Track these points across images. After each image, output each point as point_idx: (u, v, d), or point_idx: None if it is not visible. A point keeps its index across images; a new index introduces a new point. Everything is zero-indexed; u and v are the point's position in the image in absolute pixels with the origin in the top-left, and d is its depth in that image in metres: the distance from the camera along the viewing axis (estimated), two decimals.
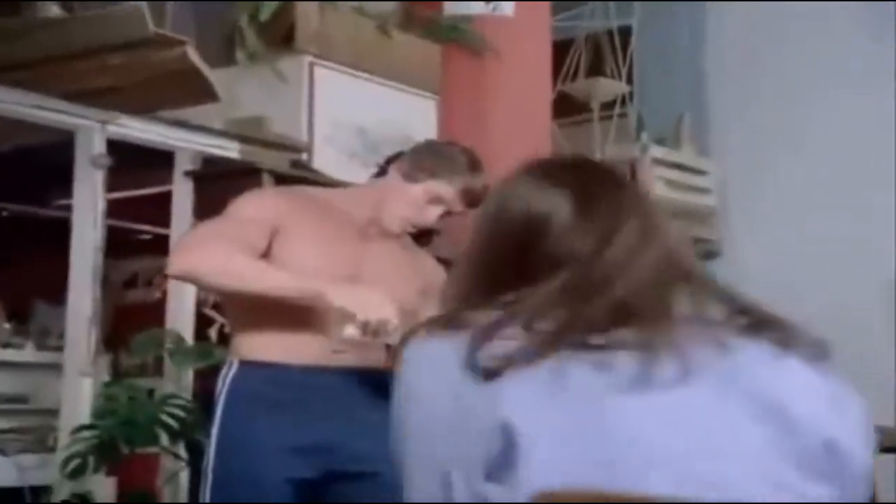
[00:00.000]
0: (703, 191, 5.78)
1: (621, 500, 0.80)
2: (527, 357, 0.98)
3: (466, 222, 4.38)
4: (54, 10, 3.24)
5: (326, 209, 2.42)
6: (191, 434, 3.36)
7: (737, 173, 5.77)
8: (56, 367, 3.77)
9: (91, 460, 3.30)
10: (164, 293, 4.04)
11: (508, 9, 4.50)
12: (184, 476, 3.59)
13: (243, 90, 4.01)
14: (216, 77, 3.41)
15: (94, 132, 3.62)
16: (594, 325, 1.02)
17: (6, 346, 4.39)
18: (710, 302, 1.06)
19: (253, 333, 2.33)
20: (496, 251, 1.14)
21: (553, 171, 1.17)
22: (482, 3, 4.48)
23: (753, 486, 0.84)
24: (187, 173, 3.88)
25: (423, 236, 4.39)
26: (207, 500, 2.27)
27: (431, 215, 2.38)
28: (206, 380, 3.41)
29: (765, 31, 5.60)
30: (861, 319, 4.83)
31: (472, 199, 2.39)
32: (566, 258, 1.08)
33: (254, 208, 2.35)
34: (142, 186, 4.46)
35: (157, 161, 3.91)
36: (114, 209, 3.80)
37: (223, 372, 2.36)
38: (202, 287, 2.56)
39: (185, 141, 3.85)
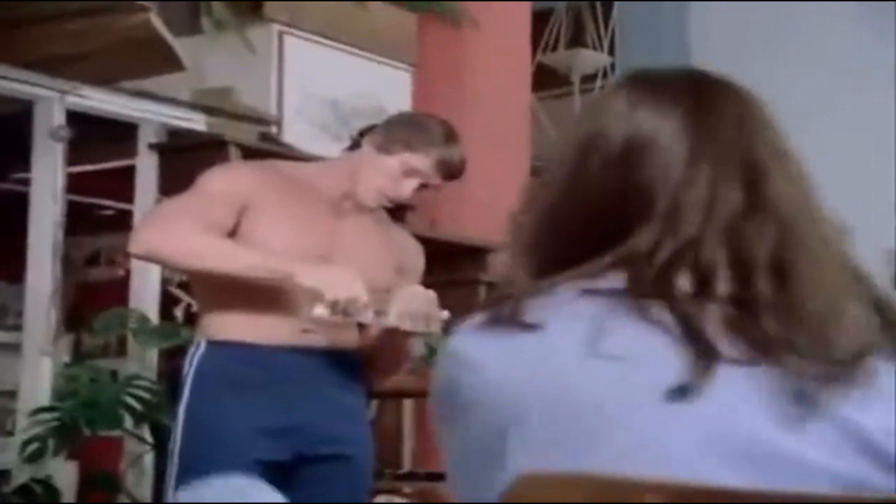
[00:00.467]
0: None
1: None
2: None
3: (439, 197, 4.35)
4: None
5: (297, 184, 2.42)
6: (156, 416, 3.34)
7: None
8: (14, 348, 3.74)
9: (51, 444, 3.28)
10: (128, 271, 4.01)
11: None
12: (148, 460, 3.57)
13: (210, 60, 3.97)
14: (181, 45, 3.38)
15: (53, 103, 3.57)
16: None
17: None
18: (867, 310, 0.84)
19: (222, 312, 2.33)
20: (580, 197, 0.89)
21: (658, 84, 0.92)
22: None
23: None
24: (151, 146, 3.84)
25: (397, 211, 4.37)
26: (175, 482, 2.27)
27: (407, 188, 2.38)
28: (172, 360, 3.40)
29: (756, 23, 5.61)
30: None
31: (448, 171, 2.41)
32: (675, 209, 0.85)
33: (221, 183, 2.33)
34: (104, 160, 4.42)
35: (120, 133, 3.88)
36: (74, 184, 3.76)
37: (190, 352, 2.36)
38: (166, 267, 2.56)
39: (149, 112, 3.81)
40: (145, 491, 3.60)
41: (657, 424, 0.77)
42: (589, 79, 5.92)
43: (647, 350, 0.80)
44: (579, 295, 0.84)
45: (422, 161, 2.37)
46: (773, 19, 5.51)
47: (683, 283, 0.83)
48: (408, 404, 4.01)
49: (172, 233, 2.22)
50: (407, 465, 3.94)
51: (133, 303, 3.73)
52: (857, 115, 5.34)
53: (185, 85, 3.82)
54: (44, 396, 3.46)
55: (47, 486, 3.40)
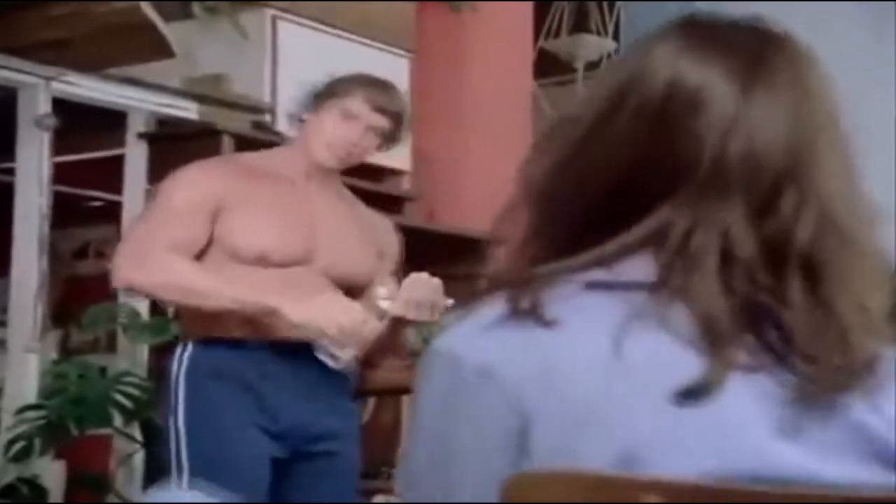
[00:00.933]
0: None
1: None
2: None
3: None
4: None
5: (264, 175, 2.43)
6: (146, 414, 3.33)
7: None
8: None
9: (37, 442, 3.27)
10: None
11: None
12: (138, 459, 3.56)
13: (201, 46, 3.95)
14: (172, 31, 3.35)
15: (39, 90, 3.55)
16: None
17: None
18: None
19: (208, 310, 2.32)
20: (603, 152, 0.79)
21: (712, 30, 0.83)
22: None
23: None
24: (141, 135, 3.82)
25: (392, 201, 4.35)
26: (187, 483, 2.28)
27: (353, 134, 2.41)
28: (163, 357, 3.38)
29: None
30: None
31: (383, 107, 2.44)
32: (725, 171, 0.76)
33: (189, 192, 2.33)
34: (92, 149, 4.40)
35: (108, 122, 3.85)
36: (61, 174, 3.74)
37: (177, 353, 2.36)
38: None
39: (139, 100, 3.79)
40: (135, 491, 3.58)
41: (667, 431, 0.73)
42: (593, 65, 5.89)
43: (664, 354, 0.75)
44: (597, 288, 0.77)
45: (353, 103, 2.40)
46: (775, 17, 5.51)
47: (711, 274, 0.76)
48: (406, 401, 4.00)
49: (153, 268, 2.25)
50: None
51: (123, 297, 3.71)
52: (856, 115, 5.37)
53: (176, 72, 3.80)
54: (30, 394, 3.44)
55: (34, 486, 3.39)
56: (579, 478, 0.70)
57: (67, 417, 3.26)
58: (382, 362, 2.68)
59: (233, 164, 2.47)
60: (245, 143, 3.74)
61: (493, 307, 0.78)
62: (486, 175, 4.46)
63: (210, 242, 2.32)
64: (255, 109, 3.98)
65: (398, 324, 2.39)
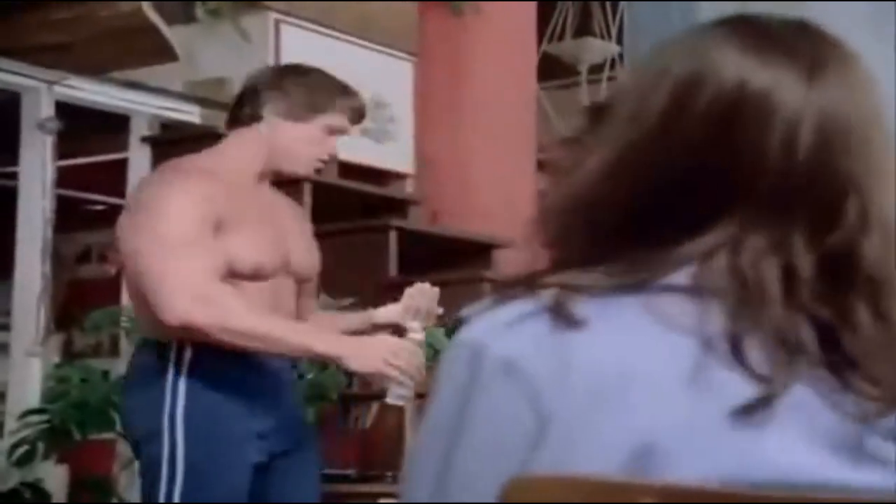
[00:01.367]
0: None
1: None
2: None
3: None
4: None
5: (233, 185, 2.33)
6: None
7: None
8: (2, 347, 3.72)
9: (40, 447, 3.27)
10: (120, 268, 4.00)
11: None
12: None
13: (204, 49, 3.96)
14: (174, 35, 3.36)
15: (42, 94, 3.56)
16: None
17: None
18: None
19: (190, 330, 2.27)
20: (662, 154, 0.75)
21: (769, 30, 0.79)
22: None
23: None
24: (144, 139, 3.83)
25: (396, 205, 4.35)
26: (180, 487, 2.27)
27: (332, 146, 2.41)
28: None
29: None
30: None
31: (360, 118, 2.47)
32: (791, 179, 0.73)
33: (196, 214, 2.23)
34: (94, 153, 4.41)
35: (111, 126, 3.86)
36: (64, 177, 3.75)
37: (173, 356, 2.30)
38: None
39: (141, 104, 3.79)
40: (138, 495, 3.58)
41: (716, 460, 0.71)
42: (596, 69, 5.89)
43: (694, 362, 0.72)
44: (632, 291, 0.74)
45: (338, 118, 2.39)
46: (778, 14, 5.50)
47: (771, 285, 0.73)
48: (409, 406, 4.00)
49: (214, 309, 2.18)
50: None
51: (126, 301, 3.71)
52: None
53: (179, 75, 3.81)
54: (33, 398, 3.45)
55: (37, 490, 3.39)
56: (577, 481, 0.70)
57: (70, 421, 3.26)
58: None
59: (208, 173, 2.34)
60: None
61: (521, 303, 0.75)
62: (490, 178, 4.46)
63: None
64: None
65: (399, 330, 2.46)
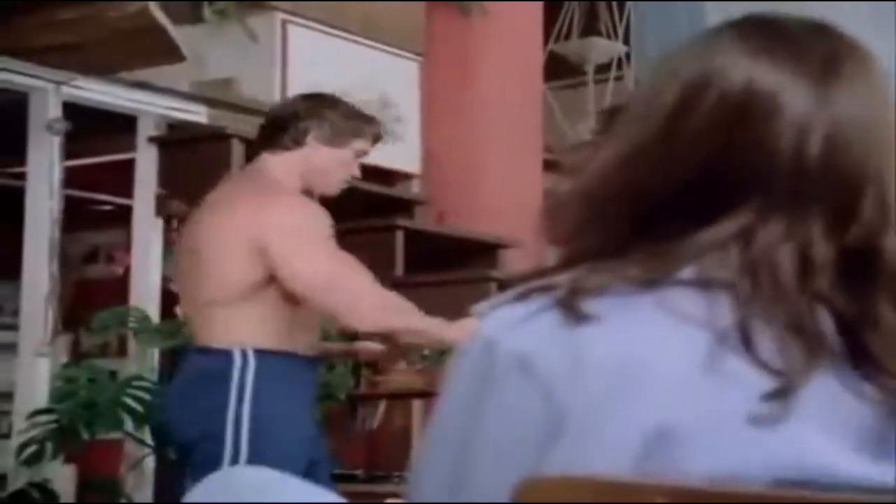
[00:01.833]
0: None
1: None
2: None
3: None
4: None
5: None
6: (156, 418, 3.33)
7: None
8: (10, 348, 3.73)
9: (49, 447, 3.27)
10: (127, 268, 4.01)
11: None
12: (149, 463, 3.56)
13: (211, 50, 3.96)
14: (182, 35, 3.36)
15: (49, 94, 3.56)
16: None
17: None
18: None
19: (267, 322, 2.44)
20: (670, 151, 0.76)
21: (781, 31, 0.79)
22: None
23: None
24: (151, 139, 3.83)
25: (403, 205, 4.34)
26: None
27: (357, 167, 2.64)
28: (173, 361, 3.39)
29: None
30: None
31: (378, 140, 2.71)
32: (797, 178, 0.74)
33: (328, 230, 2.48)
34: (102, 153, 4.41)
35: (119, 126, 3.86)
36: (72, 178, 3.75)
37: (238, 357, 2.41)
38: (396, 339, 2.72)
39: (149, 104, 3.80)
40: (146, 495, 3.59)
41: (733, 450, 0.70)
42: (603, 68, 5.89)
43: (726, 365, 0.72)
44: (648, 286, 0.73)
45: (365, 143, 2.63)
46: (784, 13, 5.50)
47: (789, 279, 0.73)
48: (416, 406, 4.00)
49: (395, 313, 2.46)
50: None
51: (133, 301, 3.72)
52: None
53: (186, 76, 3.81)
54: (41, 398, 3.45)
55: (45, 490, 3.39)
56: (588, 481, 0.70)
57: (78, 421, 3.26)
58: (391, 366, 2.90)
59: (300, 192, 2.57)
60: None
61: (534, 299, 0.75)
62: (497, 178, 4.45)
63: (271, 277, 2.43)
64: (265, 113, 3.98)
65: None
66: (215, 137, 3.77)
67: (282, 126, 2.56)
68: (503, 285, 0.78)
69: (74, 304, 4.39)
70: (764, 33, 0.79)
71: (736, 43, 0.78)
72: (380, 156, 4.38)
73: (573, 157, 0.79)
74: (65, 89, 3.57)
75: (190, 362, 2.54)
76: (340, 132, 2.57)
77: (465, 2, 4.43)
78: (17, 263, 3.61)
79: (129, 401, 3.32)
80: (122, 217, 3.99)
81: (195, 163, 3.73)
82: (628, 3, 5.94)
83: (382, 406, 3.86)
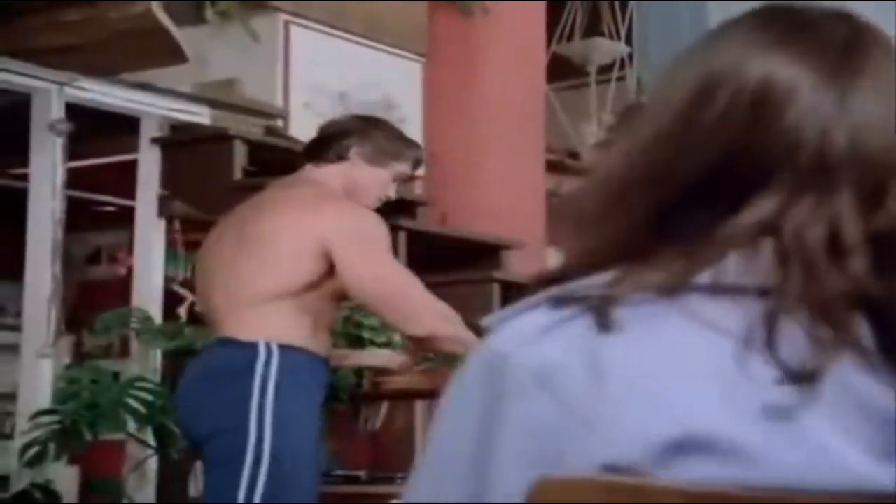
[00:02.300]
0: None
1: None
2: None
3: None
4: None
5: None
6: (159, 419, 3.33)
7: None
8: (13, 349, 3.73)
9: (52, 448, 3.27)
10: (130, 269, 4.01)
11: None
12: (151, 464, 3.56)
13: (214, 51, 3.96)
14: (184, 36, 3.36)
15: (52, 95, 3.56)
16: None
17: None
18: None
19: (295, 319, 2.50)
20: (684, 147, 0.74)
21: (801, 20, 0.78)
22: None
23: None
24: (154, 140, 3.83)
25: (407, 205, 4.35)
26: (265, 475, 2.42)
27: (393, 189, 2.76)
28: (175, 362, 3.39)
29: None
30: None
31: (418, 164, 2.85)
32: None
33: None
34: (105, 154, 4.42)
35: (121, 127, 3.86)
36: (74, 179, 3.75)
37: (262, 352, 2.45)
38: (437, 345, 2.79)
39: (151, 105, 3.80)
40: (148, 496, 3.59)
41: (754, 452, 0.68)
42: (605, 69, 5.89)
43: (751, 368, 0.70)
44: (680, 290, 0.71)
45: (405, 166, 2.75)
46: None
47: (822, 267, 0.71)
48: (419, 406, 3.99)
49: (446, 322, 2.56)
50: None
51: (135, 302, 3.72)
52: None
53: (188, 76, 3.81)
54: (44, 399, 3.45)
55: (47, 491, 3.39)
56: (604, 482, 0.69)
57: (81, 422, 3.26)
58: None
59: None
60: (257, 148, 3.74)
61: (548, 309, 0.72)
62: (499, 179, 4.45)
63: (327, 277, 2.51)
64: (268, 114, 3.99)
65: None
66: (218, 138, 3.77)
67: (328, 140, 2.70)
68: (518, 289, 0.74)
69: (77, 305, 4.39)
70: (783, 22, 0.77)
71: (754, 34, 0.77)
72: None
73: (591, 155, 0.74)
74: (67, 90, 3.58)
75: (211, 355, 2.57)
76: (382, 152, 2.69)
77: (467, 1, 4.43)
78: (20, 264, 3.61)
79: (132, 402, 3.32)
80: (125, 218, 3.99)
81: (198, 164, 3.73)
82: (631, 3, 5.94)
83: (385, 407, 3.86)
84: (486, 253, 4.25)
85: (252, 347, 2.46)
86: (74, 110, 3.61)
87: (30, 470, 3.34)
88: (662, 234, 0.74)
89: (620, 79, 5.90)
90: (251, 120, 3.94)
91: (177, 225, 3.72)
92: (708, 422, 0.69)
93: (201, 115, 3.91)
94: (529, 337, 0.72)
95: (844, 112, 0.74)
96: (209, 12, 3.95)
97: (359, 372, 3.57)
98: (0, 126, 3.87)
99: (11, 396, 3.67)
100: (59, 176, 3.58)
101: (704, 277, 0.72)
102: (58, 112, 3.57)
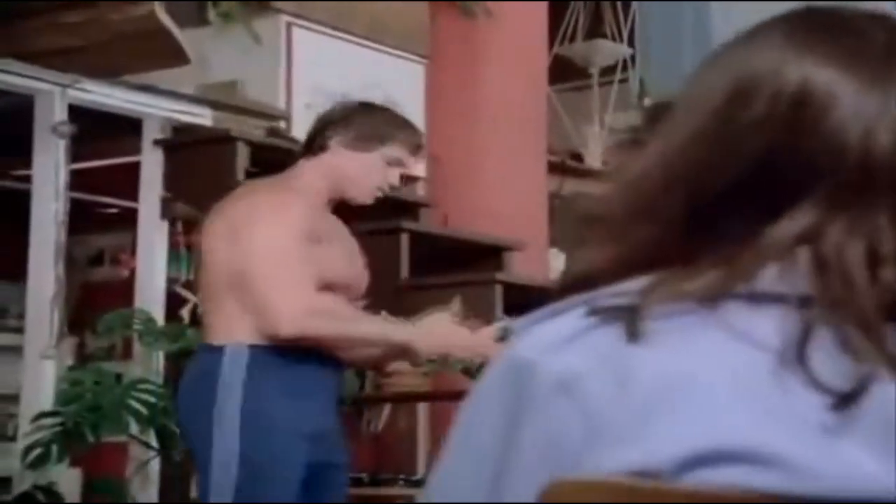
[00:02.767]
0: None
1: None
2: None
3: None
4: None
5: (311, 202, 2.51)
6: (162, 421, 3.33)
7: None
8: (16, 350, 3.73)
9: (54, 449, 3.27)
10: (132, 271, 4.00)
11: None
12: (154, 466, 3.56)
13: (216, 52, 3.96)
14: (187, 38, 3.36)
15: (55, 97, 3.56)
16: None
17: None
18: None
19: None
20: (718, 153, 0.72)
21: (838, 23, 0.76)
22: None
23: None
24: (156, 142, 3.83)
25: (409, 207, 4.34)
26: (233, 482, 2.36)
27: (394, 177, 2.59)
28: (177, 363, 3.38)
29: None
30: None
31: (419, 152, 2.68)
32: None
33: (297, 232, 2.41)
34: (107, 156, 4.42)
35: (124, 129, 3.86)
36: (77, 181, 3.75)
37: (228, 355, 2.39)
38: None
39: (154, 107, 3.80)
40: (151, 497, 3.59)
41: (781, 469, 0.66)
42: (608, 71, 5.89)
43: (784, 382, 0.68)
44: (714, 301, 0.69)
45: (400, 150, 2.56)
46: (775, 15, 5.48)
47: (862, 280, 0.69)
48: (422, 409, 3.99)
49: (323, 319, 2.40)
50: (421, 472, 3.92)
51: (138, 303, 3.72)
52: None
53: (191, 78, 3.81)
54: (46, 400, 3.45)
55: (50, 493, 3.39)
56: (617, 484, 0.68)
57: (83, 424, 3.26)
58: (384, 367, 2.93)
59: (294, 192, 2.52)
60: (260, 150, 3.74)
61: (577, 315, 0.71)
62: (501, 180, 4.45)
63: None
64: (270, 115, 3.99)
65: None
66: (220, 140, 3.77)
67: (313, 133, 2.59)
68: (521, 290, 0.72)
69: (80, 307, 4.39)
70: (820, 25, 0.76)
71: (791, 36, 0.75)
72: None
73: (618, 156, 0.73)
74: (70, 92, 3.58)
75: (191, 361, 2.56)
76: (366, 137, 2.53)
77: (469, 5, 4.42)
78: (23, 266, 3.61)
79: (134, 403, 3.32)
80: (128, 220, 3.99)
81: (200, 165, 3.73)
82: (633, 5, 5.94)
83: (387, 409, 3.85)
84: (487, 254, 4.25)
85: (220, 351, 2.40)
86: (77, 112, 3.61)
87: (32, 472, 3.34)
88: (697, 241, 0.72)
89: (623, 80, 5.89)
90: (253, 121, 3.94)
91: (179, 227, 3.72)
92: (736, 433, 0.67)
93: (203, 117, 3.91)
94: (555, 344, 0.70)
95: (888, 114, 0.72)
96: (211, 14, 3.95)
97: (361, 374, 3.57)
98: (3, 127, 3.88)
99: (14, 398, 3.67)
100: (62, 178, 3.58)
101: (740, 287, 0.70)
102: (60, 114, 3.57)
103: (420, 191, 4.50)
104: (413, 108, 4.45)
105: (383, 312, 2.76)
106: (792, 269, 0.70)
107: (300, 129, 4.00)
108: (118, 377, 3.49)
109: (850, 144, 0.71)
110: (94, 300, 4.48)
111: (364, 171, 2.53)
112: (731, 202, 0.72)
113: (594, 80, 5.85)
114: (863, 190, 0.71)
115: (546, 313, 0.72)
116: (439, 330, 2.49)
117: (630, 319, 0.69)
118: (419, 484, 3.74)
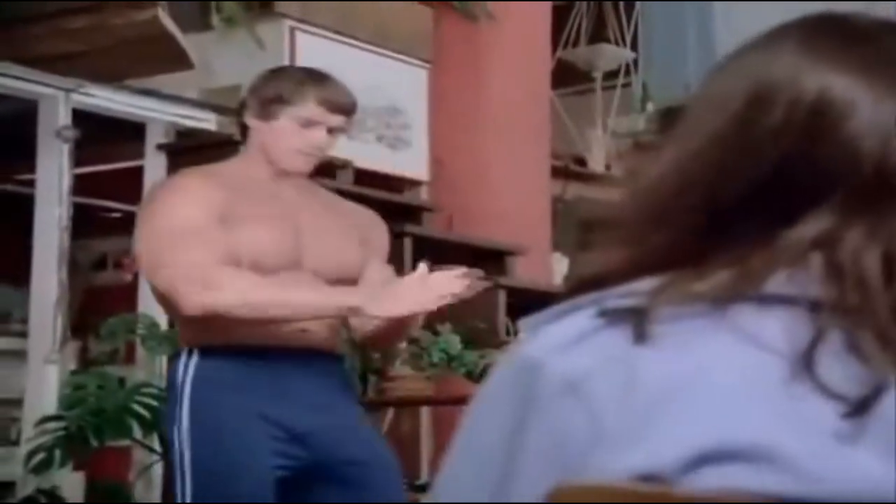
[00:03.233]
0: None
1: None
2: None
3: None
4: None
5: (239, 185, 2.39)
6: (165, 425, 3.34)
7: None
8: (19, 355, 3.74)
9: (57, 454, 3.27)
10: (136, 275, 4.01)
11: None
12: (157, 470, 3.56)
13: (220, 57, 3.97)
14: (190, 42, 3.37)
15: (59, 102, 3.57)
16: None
17: None
18: None
19: (212, 317, 2.25)
20: (735, 160, 0.72)
21: (855, 31, 0.76)
22: None
23: None
24: (160, 146, 3.84)
25: (411, 210, 4.34)
26: (189, 495, 2.28)
27: (315, 137, 2.39)
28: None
29: (778, 20, 5.59)
30: None
31: (336, 107, 2.42)
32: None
33: (199, 206, 2.29)
34: (111, 161, 4.43)
35: (128, 133, 3.87)
36: (81, 185, 3.76)
37: (181, 361, 2.32)
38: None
39: (157, 111, 3.80)
40: (154, 502, 3.59)
41: (787, 473, 0.66)
42: (611, 75, 5.89)
43: (793, 386, 0.68)
44: (726, 304, 0.69)
45: (309, 109, 2.37)
46: (793, 16, 5.49)
47: (878, 285, 0.69)
48: (425, 412, 3.99)
49: (226, 289, 2.21)
50: (425, 475, 3.92)
51: (141, 308, 3.72)
52: None
53: (195, 83, 3.82)
54: (50, 405, 3.45)
55: (53, 497, 3.39)
56: (617, 489, 0.68)
57: (87, 428, 3.27)
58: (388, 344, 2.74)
59: (211, 174, 2.42)
60: None
61: (586, 316, 0.71)
62: (504, 184, 4.45)
63: None
64: None
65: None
66: (224, 144, 3.77)
67: (237, 113, 2.49)
68: (524, 294, 0.72)
69: (83, 311, 4.40)
70: (837, 33, 0.75)
71: (808, 44, 0.75)
72: (388, 162, 4.39)
73: (629, 160, 0.71)
74: (74, 97, 3.59)
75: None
76: (268, 102, 2.36)
77: (472, 10, 4.43)
78: (26, 270, 3.62)
79: (138, 407, 3.32)
80: (131, 224, 3.98)
81: None
82: (636, 9, 5.94)
83: (390, 413, 3.85)
84: (491, 258, 4.25)
85: (177, 357, 2.35)
86: (81, 116, 3.62)
87: (36, 476, 3.34)
88: (711, 244, 0.72)
89: (626, 84, 5.90)
90: None
91: None
92: (742, 431, 0.67)
93: (207, 122, 3.92)
94: (563, 344, 0.70)
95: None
96: (215, 18, 3.96)
97: (364, 378, 3.57)
98: (7, 132, 3.89)
99: (17, 402, 3.67)
100: (66, 182, 3.59)
101: (752, 290, 0.70)
102: (64, 118, 3.58)
103: (423, 195, 4.50)
104: (417, 113, 4.45)
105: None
106: (803, 272, 0.70)
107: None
108: (121, 381, 3.49)
109: (867, 152, 0.71)
110: (98, 304, 4.48)
111: (277, 138, 2.36)
112: (746, 207, 0.72)
113: (597, 85, 5.85)
114: (879, 197, 0.71)
115: (554, 313, 0.72)
116: (398, 292, 2.27)
117: (638, 321, 0.69)
118: (423, 488, 3.74)
